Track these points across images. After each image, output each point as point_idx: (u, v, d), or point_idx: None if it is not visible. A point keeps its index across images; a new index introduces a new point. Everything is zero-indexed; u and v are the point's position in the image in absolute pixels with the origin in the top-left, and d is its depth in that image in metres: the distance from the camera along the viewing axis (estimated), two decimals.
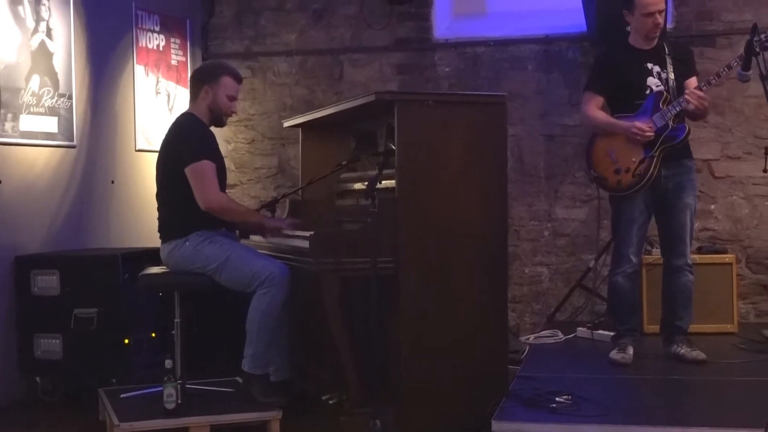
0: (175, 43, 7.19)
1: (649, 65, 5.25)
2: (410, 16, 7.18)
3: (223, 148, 7.23)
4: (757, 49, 4.04)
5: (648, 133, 5.11)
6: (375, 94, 4.57)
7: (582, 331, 6.17)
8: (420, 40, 7.18)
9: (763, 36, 4.04)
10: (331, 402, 4.97)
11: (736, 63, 4.81)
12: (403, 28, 7.20)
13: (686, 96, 5.08)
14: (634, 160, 5.18)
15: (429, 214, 4.58)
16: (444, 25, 7.23)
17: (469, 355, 4.65)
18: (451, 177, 4.63)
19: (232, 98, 5.18)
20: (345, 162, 5.41)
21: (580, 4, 6.52)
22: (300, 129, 6.06)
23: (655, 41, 5.27)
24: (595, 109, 5.35)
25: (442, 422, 4.54)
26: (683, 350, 5.29)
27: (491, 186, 4.77)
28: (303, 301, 4.98)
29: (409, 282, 4.52)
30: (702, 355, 5.24)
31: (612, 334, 5.56)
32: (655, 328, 5.68)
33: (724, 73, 4.94)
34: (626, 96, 5.27)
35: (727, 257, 6.26)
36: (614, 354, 5.32)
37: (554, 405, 4.28)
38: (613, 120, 5.27)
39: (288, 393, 4.89)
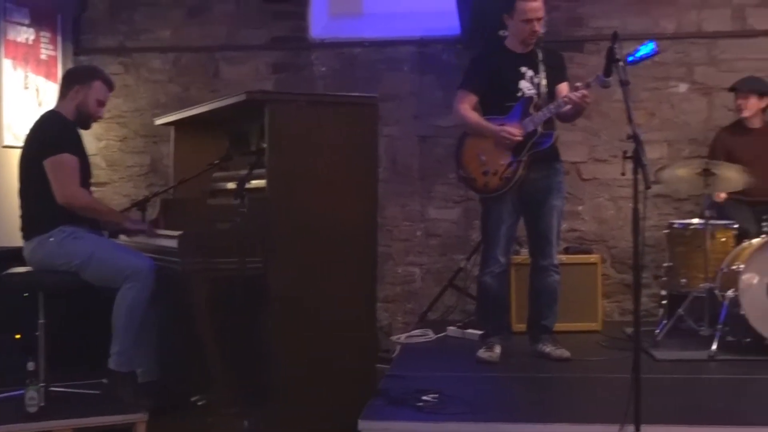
0: (45, 37, 7.00)
1: (523, 69, 5.35)
2: (286, 14, 7.16)
3: (94, 145, 7.13)
4: (617, 56, 4.17)
5: (517, 138, 5.21)
6: (246, 93, 4.55)
7: (452, 330, 6.27)
8: (296, 40, 7.17)
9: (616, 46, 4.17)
10: (199, 403, 4.92)
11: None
12: (279, 26, 7.18)
13: (568, 95, 5.18)
14: (502, 162, 5.28)
15: (299, 214, 4.58)
16: (320, 24, 7.23)
17: (339, 355, 4.66)
18: (322, 177, 4.64)
19: (101, 103, 5.12)
20: (217, 161, 5.38)
21: (455, 7, 6.60)
22: (173, 127, 5.99)
23: (531, 46, 5.38)
24: (467, 108, 5.43)
25: (312, 422, 4.54)
26: (549, 348, 5.43)
27: (362, 186, 4.80)
28: (172, 301, 4.93)
29: (278, 282, 4.51)
30: (566, 353, 5.38)
31: (481, 332, 5.67)
32: (523, 326, 5.78)
33: (600, 81, 5.05)
34: (498, 97, 5.36)
35: (593, 257, 6.44)
36: (482, 352, 5.42)
37: (421, 403, 4.33)
38: (483, 122, 5.35)
39: (156, 394, 4.84)
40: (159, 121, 6.06)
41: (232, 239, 4.40)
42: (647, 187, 3.74)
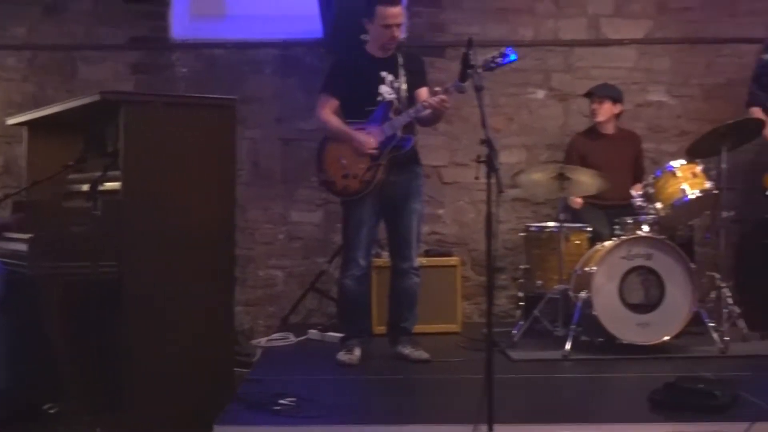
0: None
1: (383, 74, 5.39)
2: (146, 14, 7.01)
3: None
4: (472, 62, 4.24)
5: (368, 150, 5.26)
6: (100, 93, 4.46)
7: (313, 333, 6.27)
8: (157, 40, 7.04)
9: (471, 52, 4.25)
10: (51, 411, 4.80)
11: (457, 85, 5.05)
12: (139, 26, 7.03)
13: (427, 99, 5.24)
14: (362, 166, 5.30)
15: (155, 217, 4.50)
16: (182, 25, 7.11)
17: (196, 359, 4.60)
18: (178, 179, 4.58)
19: None
20: (71, 163, 5.24)
21: (318, 11, 6.61)
22: (26, 127, 5.81)
23: (391, 51, 5.42)
24: (328, 112, 5.43)
25: (167, 428, 4.47)
26: (408, 350, 5.48)
27: (220, 188, 4.77)
28: (23, 306, 4.78)
29: (133, 285, 4.42)
30: (425, 355, 5.44)
31: (341, 335, 5.68)
32: (384, 329, 5.82)
33: (456, 87, 5.13)
34: (359, 102, 5.38)
35: (453, 260, 6.53)
36: (341, 355, 5.43)
37: (278, 407, 4.30)
38: (342, 126, 5.37)
39: (6, 403, 4.69)
40: (11, 121, 5.86)
41: (85, 242, 4.30)
42: (500, 191, 3.81)
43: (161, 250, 4.52)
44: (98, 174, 4.61)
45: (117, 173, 4.54)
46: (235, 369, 5.24)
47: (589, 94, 6.54)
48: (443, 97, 5.17)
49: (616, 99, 6.51)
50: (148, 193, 4.50)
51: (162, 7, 7.02)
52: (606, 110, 6.47)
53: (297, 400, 4.41)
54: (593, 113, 6.51)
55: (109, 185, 4.60)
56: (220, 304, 4.77)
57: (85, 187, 5.14)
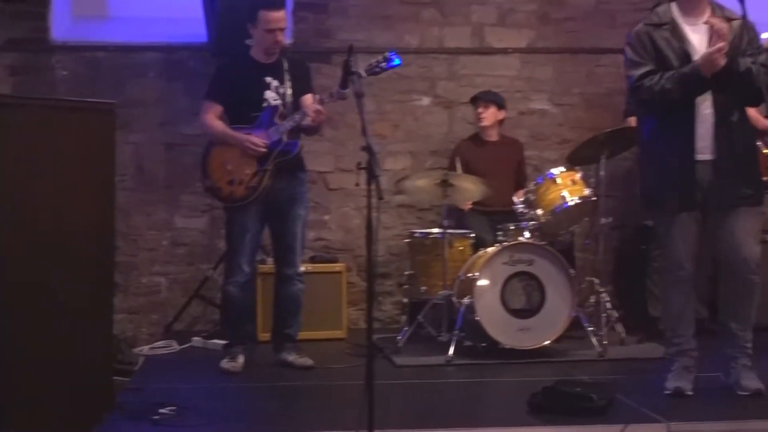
0: None
1: (268, 79, 5.38)
2: (25, 15, 6.78)
3: None
4: (353, 69, 4.25)
5: (261, 149, 5.23)
6: None
7: (197, 341, 6.20)
8: (36, 41, 6.81)
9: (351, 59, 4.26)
10: None
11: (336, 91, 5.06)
12: (17, 27, 6.78)
13: (304, 110, 5.25)
14: (247, 172, 5.28)
15: (31, 222, 4.40)
16: (63, 26, 6.92)
17: (73, 368, 4.50)
18: (55, 183, 4.48)
19: None
20: None
21: (202, 14, 6.53)
22: None
23: (276, 56, 5.41)
24: (212, 118, 5.40)
25: None
26: (292, 357, 5.47)
27: (98, 193, 4.69)
28: None
29: (5, 293, 4.30)
30: (309, 362, 5.44)
31: (225, 342, 5.62)
32: (268, 335, 5.77)
33: (337, 94, 5.14)
34: (243, 107, 5.36)
35: (338, 266, 6.54)
36: (225, 363, 5.39)
37: (157, 417, 4.23)
38: (229, 131, 5.34)
39: None
40: None
41: None
42: (380, 198, 3.82)
43: (36, 256, 4.41)
44: None
45: None
46: (116, 378, 5.16)
47: (475, 99, 6.62)
48: (318, 108, 5.20)
49: (501, 105, 6.61)
50: (24, 198, 4.38)
51: (41, 8, 6.80)
52: (491, 115, 6.56)
53: (178, 409, 4.36)
54: (479, 118, 6.58)
55: None
56: (97, 311, 4.67)
57: None
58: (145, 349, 6.13)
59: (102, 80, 6.86)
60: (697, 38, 4.50)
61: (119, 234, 6.45)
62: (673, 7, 4.60)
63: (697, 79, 4.40)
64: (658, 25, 4.59)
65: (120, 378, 5.32)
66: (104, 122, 4.73)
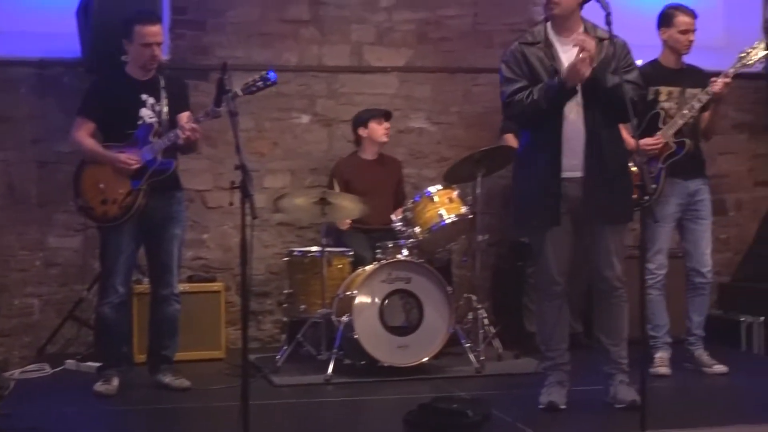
0: None
1: (144, 96, 5.31)
2: None
3: None
4: (227, 87, 4.22)
5: (134, 166, 5.15)
6: None
7: (70, 364, 6.04)
8: None
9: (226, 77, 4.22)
10: None
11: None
12: None
13: (176, 130, 5.19)
14: (121, 191, 5.20)
15: None
16: None
17: None
18: None
19: None
20: None
21: (76, 29, 6.39)
22: None
23: (152, 73, 5.33)
24: (84, 135, 5.30)
25: None
26: (168, 379, 5.38)
27: None
28: None
29: None
30: (186, 383, 5.36)
31: (99, 365, 5.49)
32: (145, 357, 5.67)
33: (211, 112, 5.10)
34: (118, 124, 5.28)
35: (216, 285, 6.47)
36: (99, 386, 5.27)
37: None
38: (101, 149, 5.24)
39: None
40: None
41: None
42: (254, 217, 3.80)
43: None
44: None
45: None
46: None
47: (388, 115, 6.64)
48: (193, 127, 5.15)
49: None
50: None
51: None
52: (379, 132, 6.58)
53: None
54: (386, 133, 6.60)
55: None
56: None
57: None
58: (16, 373, 5.92)
59: None
60: (568, 57, 4.59)
61: None
62: (548, 26, 4.70)
63: (562, 89, 4.50)
64: (532, 44, 4.68)
65: None
66: None
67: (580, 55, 4.43)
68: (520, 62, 4.68)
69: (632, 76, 4.66)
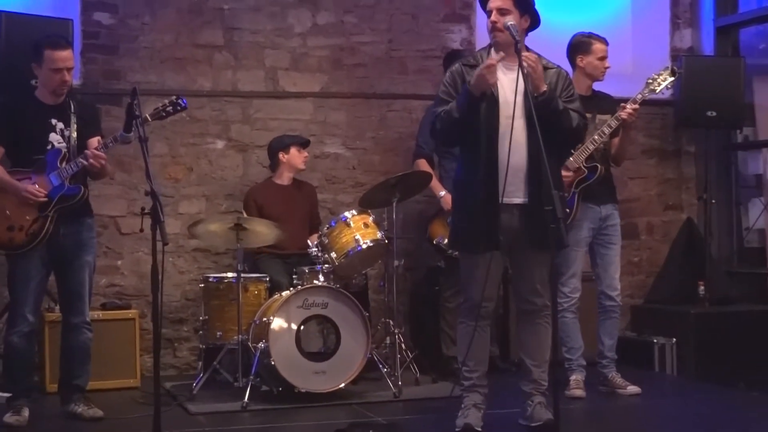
0: None
1: (54, 121, 5.22)
2: None
3: None
4: (137, 112, 4.15)
5: (40, 198, 5.06)
6: None
7: None
8: None
9: (136, 101, 4.16)
10: None
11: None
12: None
13: (83, 155, 5.10)
14: (28, 218, 5.09)
15: None
16: None
17: None
18: None
19: None
20: None
21: None
22: None
23: (63, 97, 5.23)
24: None
25: None
26: (81, 408, 5.27)
27: None
28: None
29: None
30: (99, 413, 5.28)
31: (8, 395, 5.33)
32: (56, 386, 5.54)
33: (120, 138, 5.01)
34: (26, 149, 5.19)
35: (131, 312, 6.35)
36: (8, 417, 5.14)
37: None
38: (7, 177, 5.13)
39: None
40: None
41: None
42: (165, 243, 3.74)
43: None
44: None
45: None
46: None
47: (306, 144, 6.62)
48: (99, 153, 5.07)
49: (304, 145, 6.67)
50: None
51: None
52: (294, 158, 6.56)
53: None
54: (305, 161, 6.58)
55: None
56: None
57: None
58: None
59: None
60: (507, 80, 4.62)
61: None
62: (492, 51, 4.71)
63: (469, 96, 4.55)
64: (473, 66, 4.68)
65: None
66: None
67: (488, 61, 4.50)
68: (457, 82, 4.71)
69: (574, 105, 4.73)
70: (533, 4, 4.67)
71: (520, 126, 4.57)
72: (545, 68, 4.64)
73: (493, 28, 4.64)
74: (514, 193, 4.59)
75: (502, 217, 4.59)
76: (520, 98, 4.54)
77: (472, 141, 4.66)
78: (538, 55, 4.66)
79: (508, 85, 4.60)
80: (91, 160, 5.05)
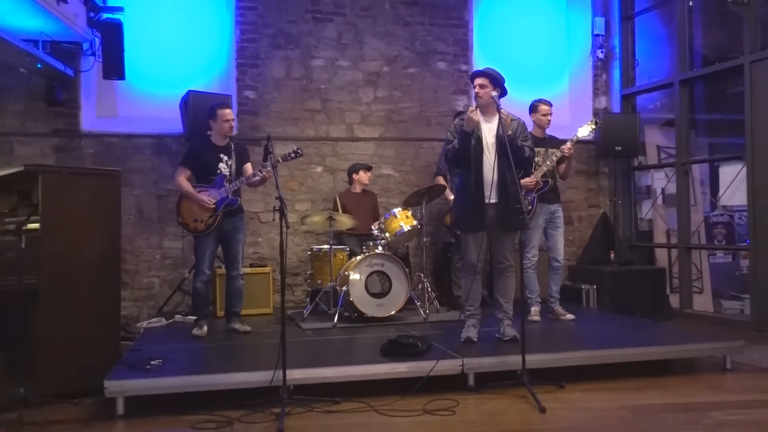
0: None
1: (221, 155, 5.22)
2: (64, 113, 6.40)
3: None
4: (270, 150, 4.12)
5: (209, 206, 5.09)
6: (24, 165, 4.02)
7: (178, 318, 5.93)
8: (71, 131, 6.44)
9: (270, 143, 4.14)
10: None
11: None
12: (59, 121, 6.41)
13: (254, 173, 5.11)
14: (206, 215, 5.13)
15: (62, 247, 4.09)
16: (89, 121, 6.51)
17: (91, 339, 4.20)
18: (79, 222, 4.20)
19: None
20: (7, 210, 4.69)
21: (179, 114, 6.30)
22: None
23: (227, 141, 5.25)
24: (183, 179, 5.21)
25: (71, 386, 4.04)
26: (237, 325, 5.29)
27: (108, 229, 4.41)
28: None
29: (47, 292, 4.00)
30: (248, 328, 5.28)
31: (195, 317, 5.38)
32: (222, 313, 5.62)
33: (261, 166, 5.02)
34: (205, 173, 5.20)
35: (266, 269, 6.35)
36: (195, 330, 5.16)
37: (149, 367, 4.02)
38: (191, 190, 5.16)
39: None
40: None
41: (13, 263, 3.85)
42: (287, 228, 3.73)
43: (66, 269, 4.11)
44: (24, 218, 4.15)
45: (37, 218, 4.10)
46: (124, 342, 4.87)
47: (370, 168, 6.54)
48: (269, 170, 5.01)
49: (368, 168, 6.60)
50: (58, 231, 4.09)
51: (74, 109, 6.45)
52: (362, 178, 6.51)
53: (163, 361, 4.14)
54: (368, 179, 6.50)
55: (32, 226, 4.14)
56: (110, 302, 4.40)
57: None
58: (143, 323, 5.82)
59: (114, 156, 6.51)
60: (487, 128, 4.56)
61: (127, 252, 6.19)
62: (479, 110, 4.63)
63: (463, 132, 4.51)
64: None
65: (127, 342, 5.03)
66: (113, 182, 4.47)
67: (470, 108, 4.49)
68: (457, 129, 4.64)
69: (527, 143, 4.64)
70: (503, 83, 4.58)
71: (494, 156, 4.50)
72: (511, 119, 4.57)
73: (476, 96, 4.59)
74: (492, 197, 4.52)
75: (486, 211, 4.53)
76: (494, 139, 4.49)
77: (466, 165, 4.60)
78: (507, 113, 4.61)
79: (488, 131, 4.55)
80: (265, 174, 5.06)
